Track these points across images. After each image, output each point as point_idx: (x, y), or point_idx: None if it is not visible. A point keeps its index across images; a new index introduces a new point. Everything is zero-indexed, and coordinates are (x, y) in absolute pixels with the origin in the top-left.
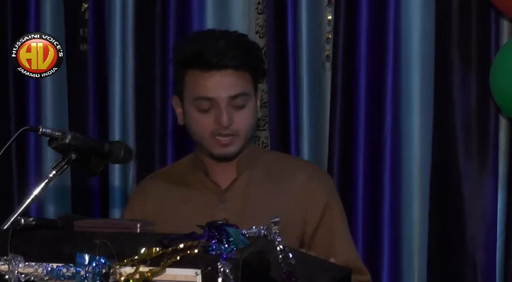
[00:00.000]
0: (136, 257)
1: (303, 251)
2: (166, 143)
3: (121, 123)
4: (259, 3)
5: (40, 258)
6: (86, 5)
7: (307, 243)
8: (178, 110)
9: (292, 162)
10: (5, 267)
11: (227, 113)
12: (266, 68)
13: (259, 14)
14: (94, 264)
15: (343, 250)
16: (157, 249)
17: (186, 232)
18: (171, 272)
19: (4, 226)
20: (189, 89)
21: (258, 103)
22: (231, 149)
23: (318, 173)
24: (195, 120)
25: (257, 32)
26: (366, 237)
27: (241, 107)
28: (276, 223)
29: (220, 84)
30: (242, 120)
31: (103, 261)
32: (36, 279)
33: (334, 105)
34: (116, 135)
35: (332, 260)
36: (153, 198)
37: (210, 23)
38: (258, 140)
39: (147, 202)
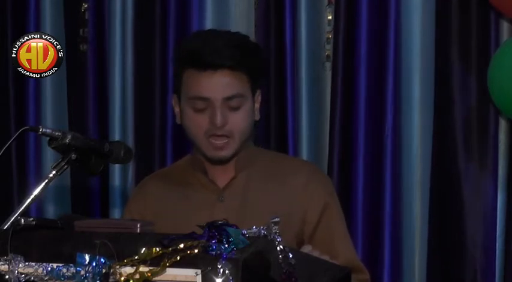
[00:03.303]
0: (136, 257)
1: (304, 251)
2: (165, 143)
3: (121, 123)
4: (257, 4)
5: (40, 258)
6: (86, 5)
7: (306, 243)
8: (177, 109)
9: (291, 162)
10: (5, 267)
11: (221, 113)
12: (267, 72)
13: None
14: (94, 264)
15: (343, 250)
16: (157, 249)
17: (185, 232)
18: (171, 272)
19: (4, 226)
20: (186, 88)
21: (257, 105)
22: (225, 153)
23: (317, 173)
24: (190, 120)
25: (256, 33)
26: (366, 237)
27: (236, 108)
28: (276, 223)
29: (216, 85)
30: (237, 121)
31: (103, 261)
32: (36, 279)
33: (335, 105)
34: (116, 135)
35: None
36: (151, 199)
37: (209, 23)
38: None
39: (145, 203)
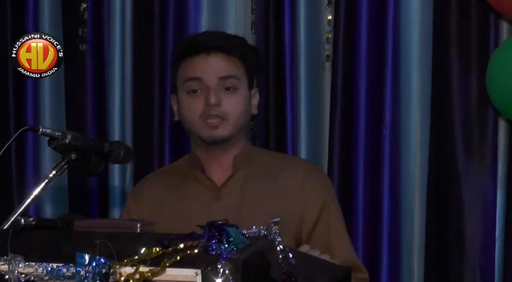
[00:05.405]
0: (136, 257)
1: (304, 251)
2: (164, 143)
3: (119, 123)
4: (255, 4)
5: (40, 258)
6: (85, 5)
7: (304, 242)
8: (175, 108)
9: (289, 161)
10: (5, 267)
11: (215, 93)
12: (261, 64)
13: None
14: (94, 264)
15: (342, 248)
16: (157, 249)
17: (183, 230)
18: (171, 272)
19: (4, 226)
20: (181, 76)
21: (255, 102)
22: (219, 132)
23: (315, 172)
24: (185, 105)
25: (254, 33)
26: (365, 236)
27: (232, 90)
28: (276, 223)
29: (209, 65)
30: (232, 104)
31: (103, 261)
32: (36, 279)
33: (334, 105)
34: (115, 135)
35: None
36: (149, 198)
37: (207, 21)
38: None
39: (143, 202)
